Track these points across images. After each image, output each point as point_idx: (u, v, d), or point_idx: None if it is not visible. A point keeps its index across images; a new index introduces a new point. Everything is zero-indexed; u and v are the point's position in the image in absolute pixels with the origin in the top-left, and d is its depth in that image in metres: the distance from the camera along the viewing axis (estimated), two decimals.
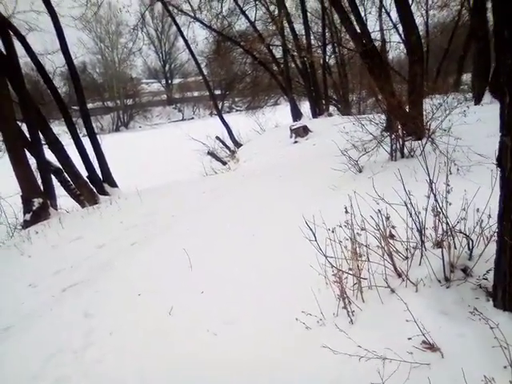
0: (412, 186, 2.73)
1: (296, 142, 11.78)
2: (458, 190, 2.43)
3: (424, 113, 5.71)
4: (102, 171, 10.06)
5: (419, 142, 5.10)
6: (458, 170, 3.92)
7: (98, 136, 10.31)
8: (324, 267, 2.50)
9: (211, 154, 15.44)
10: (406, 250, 2.42)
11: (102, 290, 3.84)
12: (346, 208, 2.69)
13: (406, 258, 2.41)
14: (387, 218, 2.50)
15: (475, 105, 8.89)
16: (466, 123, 4.71)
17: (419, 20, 15.76)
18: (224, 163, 14.41)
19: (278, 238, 3.77)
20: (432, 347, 1.82)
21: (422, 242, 2.32)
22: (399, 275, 2.27)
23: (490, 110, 7.31)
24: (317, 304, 2.32)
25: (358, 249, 2.47)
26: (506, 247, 1.68)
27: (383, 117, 6.31)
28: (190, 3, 13.79)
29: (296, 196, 5.03)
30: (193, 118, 43.27)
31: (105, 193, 9.64)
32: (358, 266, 2.32)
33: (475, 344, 1.77)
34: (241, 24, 16.48)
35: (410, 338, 1.86)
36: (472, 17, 10.52)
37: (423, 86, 5.97)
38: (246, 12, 15.20)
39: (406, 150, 5.19)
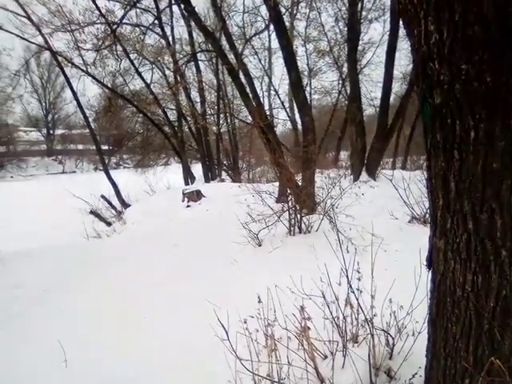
0: (314, 266, 2.64)
1: (188, 206, 11.49)
2: (362, 273, 2.40)
3: (316, 189, 6.04)
4: None
5: (318, 217, 5.27)
6: (355, 249, 4.05)
7: None
8: (235, 371, 2.17)
9: (94, 213, 14.13)
10: (329, 348, 2.24)
11: None
12: (259, 297, 2.48)
13: (326, 357, 2.23)
14: (302, 309, 2.33)
15: (354, 182, 9.89)
16: (361, 204, 5.04)
17: None
18: (109, 224, 13.24)
19: (176, 329, 3.30)
20: None
21: (344, 342, 2.14)
22: (322, 381, 2.05)
23: (369, 190, 8.11)
24: None
25: (273, 345, 2.22)
26: (440, 355, 1.60)
27: (276, 187, 6.53)
28: (82, 58, 13.07)
29: (195, 273, 4.64)
30: (75, 172, 40.26)
31: None
32: (277, 371, 2.03)
33: None
34: (136, 84, 16.24)
35: None
36: (349, 104, 11.94)
37: (316, 164, 6.37)
38: (143, 74, 15.05)
39: (303, 226, 5.30)
